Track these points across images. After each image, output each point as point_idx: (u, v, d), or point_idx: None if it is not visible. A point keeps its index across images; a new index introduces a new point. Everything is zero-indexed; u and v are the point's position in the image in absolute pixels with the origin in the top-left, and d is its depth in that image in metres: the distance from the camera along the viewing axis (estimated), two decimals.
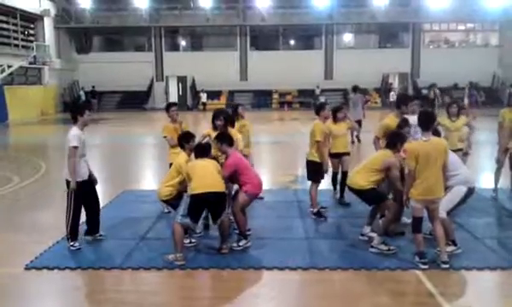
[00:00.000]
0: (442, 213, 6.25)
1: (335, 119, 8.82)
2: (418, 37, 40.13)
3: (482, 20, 38.70)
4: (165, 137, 8.39)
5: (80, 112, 6.80)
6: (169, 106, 8.67)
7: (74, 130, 6.70)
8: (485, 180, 10.09)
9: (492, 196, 9.18)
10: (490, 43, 40.75)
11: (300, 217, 8.24)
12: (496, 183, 9.26)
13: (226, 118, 7.85)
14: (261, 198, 8.56)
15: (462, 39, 42.12)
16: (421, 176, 5.91)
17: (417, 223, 6.06)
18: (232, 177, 6.76)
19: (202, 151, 6.63)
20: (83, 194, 6.78)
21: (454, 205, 6.49)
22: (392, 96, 31.89)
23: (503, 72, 38.42)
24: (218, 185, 6.31)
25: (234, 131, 8.17)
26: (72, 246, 6.74)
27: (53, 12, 35.84)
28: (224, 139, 6.82)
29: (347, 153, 9.05)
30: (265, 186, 8.31)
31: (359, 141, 17.15)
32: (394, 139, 6.69)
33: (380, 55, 39.25)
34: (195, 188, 6.19)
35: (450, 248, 6.34)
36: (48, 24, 35.29)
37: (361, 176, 6.66)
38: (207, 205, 6.32)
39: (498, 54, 39.16)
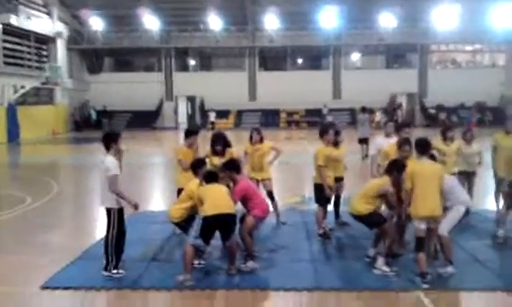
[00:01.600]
0: (444, 231, 6.51)
1: (336, 143, 8.70)
2: (425, 58, 40.43)
3: (489, 41, 38.95)
4: (179, 160, 8.44)
5: (115, 140, 6.83)
6: (190, 133, 8.62)
7: (110, 159, 6.60)
8: (489, 202, 10.18)
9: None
10: (497, 64, 40.99)
11: (307, 238, 8.40)
12: (498, 205, 9.34)
13: (225, 143, 8.38)
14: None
15: (469, 60, 42.41)
16: (419, 196, 6.25)
17: (420, 243, 6.28)
18: (241, 201, 7.01)
19: (212, 177, 6.90)
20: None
21: (454, 223, 6.71)
22: (379, 116, 30.86)
23: (510, 92, 38.47)
24: (229, 207, 6.58)
25: (232, 151, 8.49)
26: (116, 273, 6.60)
27: (66, 34, 36.50)
28: (233, 167, 7.09)
29: (343, 178, 9.07)
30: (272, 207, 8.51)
31: (367, 156, 17.46)
32: (390, 167, 6.86)
33: (387, 76, 39.49)
34: (208, 209, 6.43)
35: (451, 268, 6.49)
36: (60, 45, 35.93)
37: (359, 202, 6.90)
38: (219, 226, 6.55)
39: (505, 74, 39.28)
